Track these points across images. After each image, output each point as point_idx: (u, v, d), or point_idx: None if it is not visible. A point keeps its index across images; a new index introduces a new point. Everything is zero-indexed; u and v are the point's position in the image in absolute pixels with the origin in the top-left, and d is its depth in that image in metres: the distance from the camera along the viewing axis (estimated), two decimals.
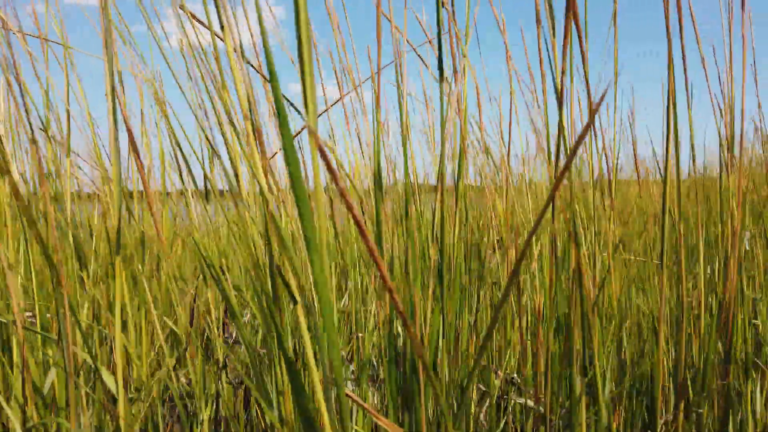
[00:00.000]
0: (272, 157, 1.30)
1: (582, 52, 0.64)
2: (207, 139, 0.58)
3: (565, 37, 0.48)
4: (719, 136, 0.96)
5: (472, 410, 0.89)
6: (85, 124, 1.05)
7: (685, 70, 0.78)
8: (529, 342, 0.93)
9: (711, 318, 0.84)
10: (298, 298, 0.56)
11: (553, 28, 0.53)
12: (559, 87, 0.53)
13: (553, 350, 0.79)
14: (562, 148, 0.56)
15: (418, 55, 0.93)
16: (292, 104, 1.00)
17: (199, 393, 0.98)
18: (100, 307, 0.96)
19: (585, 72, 0.66)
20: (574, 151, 0.33)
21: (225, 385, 1.02)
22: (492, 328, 0.46)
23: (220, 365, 1.00)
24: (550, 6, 0.53)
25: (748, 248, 1.55)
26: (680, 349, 0.77)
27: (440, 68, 0.64)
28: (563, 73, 0.52)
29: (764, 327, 1.05)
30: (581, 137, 0.33)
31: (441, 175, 0.68)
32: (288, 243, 0.54)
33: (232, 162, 0.67)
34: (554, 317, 0.77)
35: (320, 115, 1.12)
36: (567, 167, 0.34)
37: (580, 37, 0.62)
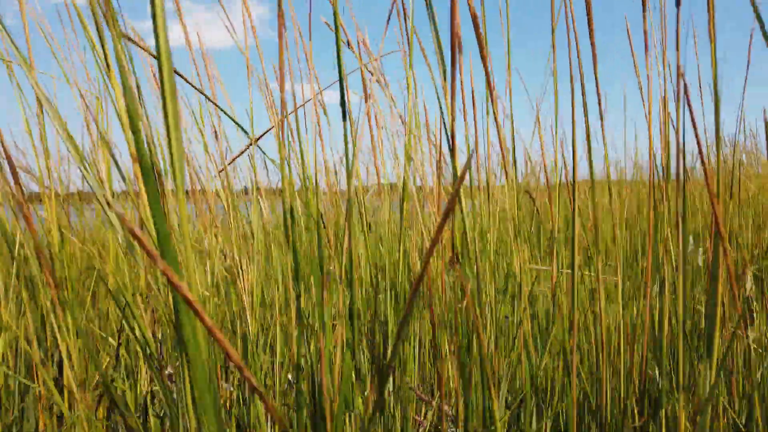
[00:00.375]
0: (222, 170, 1.27)
1: (491, 91, 0.63)
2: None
3: (451, 91, 0.47)
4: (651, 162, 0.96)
5: None
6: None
7: (597, 87, 0.76)
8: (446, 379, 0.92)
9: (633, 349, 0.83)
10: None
11: (444, 72, 0.51)
12: (450, 133, 0.51)
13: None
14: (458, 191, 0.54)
15: (375, 70, 0.92)
16: (237, 124, 0.98)
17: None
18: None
19: (494, 113, 0.64)
20: (454, 196, 0.31)
21: (152, 419, 0.99)
22: (386, 375, 0.43)
23: (145, 401, 0.97)
24: (439, 47, 0.51)
25: (701, 264, 1.56)
26: (600, 385, 0.76)
27: (342, 105, 0.62)
28: (453, 119, 0.50)
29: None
30: (459, 181, 0.31)
31: (349, 218, 0.66)
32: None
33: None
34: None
35: (266, 132, 1.10)
36: (450, 207, 0.32)
37: (487, 75, 0.61)
